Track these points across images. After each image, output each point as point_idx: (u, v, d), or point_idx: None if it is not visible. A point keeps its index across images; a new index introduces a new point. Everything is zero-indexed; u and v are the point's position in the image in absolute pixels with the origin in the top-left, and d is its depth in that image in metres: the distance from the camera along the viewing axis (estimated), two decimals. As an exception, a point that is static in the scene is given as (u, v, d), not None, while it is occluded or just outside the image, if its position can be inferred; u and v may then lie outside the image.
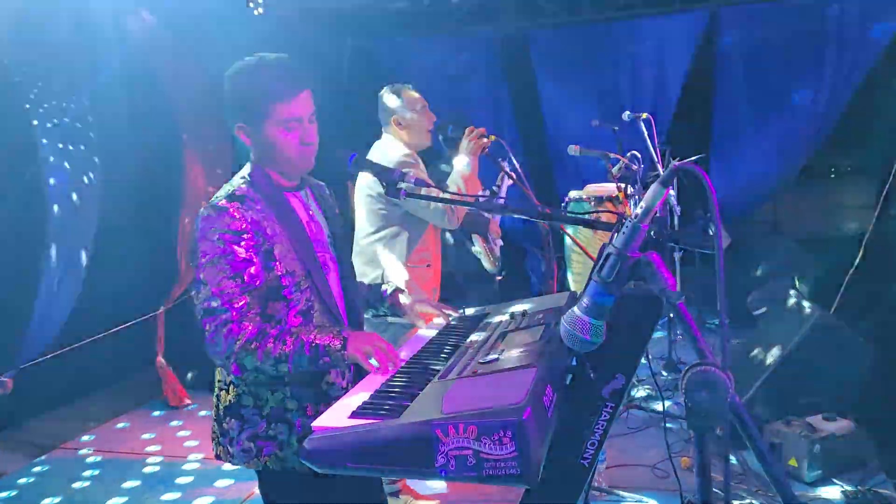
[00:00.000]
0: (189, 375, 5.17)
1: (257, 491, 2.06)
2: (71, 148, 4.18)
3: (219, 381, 1.94)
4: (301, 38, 7.09)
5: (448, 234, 4.49)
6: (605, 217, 2.36)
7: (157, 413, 4.81)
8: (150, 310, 4.96)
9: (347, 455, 1.31)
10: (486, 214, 4.39)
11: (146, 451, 4.20)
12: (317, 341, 1.70)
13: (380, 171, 2.07)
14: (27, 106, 3.97)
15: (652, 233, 1.30)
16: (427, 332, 2.05)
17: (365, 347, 1.70)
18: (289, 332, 1.73)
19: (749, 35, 6.59)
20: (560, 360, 1.48)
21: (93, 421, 4.68)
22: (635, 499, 3.22)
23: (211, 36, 5.30)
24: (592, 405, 1.47)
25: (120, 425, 4.64)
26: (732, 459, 3.36)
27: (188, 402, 4.92)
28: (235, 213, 1.78)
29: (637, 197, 4.05)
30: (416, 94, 3.26)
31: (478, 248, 4.55)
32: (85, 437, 4.43)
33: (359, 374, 1.88)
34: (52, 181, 4.07)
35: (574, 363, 1.50)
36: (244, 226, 1.78)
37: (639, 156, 4.20)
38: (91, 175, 4.36)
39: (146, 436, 4.42)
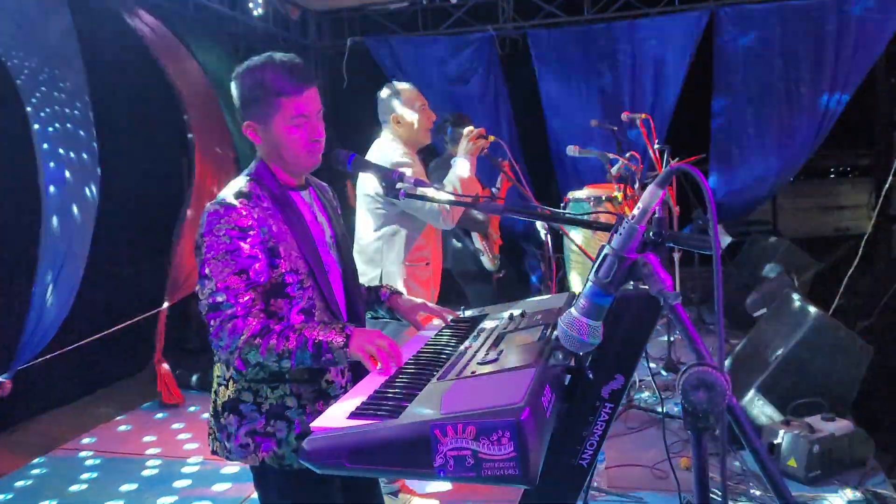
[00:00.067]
0: (193, 379, 5.17)
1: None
2: (73, 155, 4.18)
3: (217, 376, 1.94)
4: (301, 38, 7.08)
5: (448, 233, 4.49)
6: (603, 218, 2.36)
7: (159, 416, 4.79)
8: (151, 309, 4.96)
9: (346, 455, 1.31)
10: (479, 217, 4.40)
11: (147, 452, 4.19)
12: (320, 338, 1.71)
13: (378, 172, 2.08)
14: (28, 109, 3.96)
15: (650, 233, 1.30)
16: (426, 333, 2.06)
17: (367, 346, 1.71)
18: (292, 328, 1.74)
19: (749, 35, 6.59)
20: (559, 361, 1.49)
21: (93, 421, 4.67)
22: (634, 499, 3.22)
23: (211, 36, 5.31)
24: (591, 405, 1.47)
25: (121, 428, 4.63)
26: (734, 461, 3.37)
27: (181, 400, 4.91)
28: (242, 210, 1.80)
29: (636, 197, 4.06)
30: (416, 93, 3.27)
31: (478, 245, 4.56)
32: (86, 440, 4.42)
33: (357, 372, 1.89)
34: (52, 186, 4.07)
35: (573, 363, 1.50)
36: (251, 223, 1.79)
37: (637, 156, 4.20)
38: (91, 172, 4.35)
39: (147, 438, 4.41)
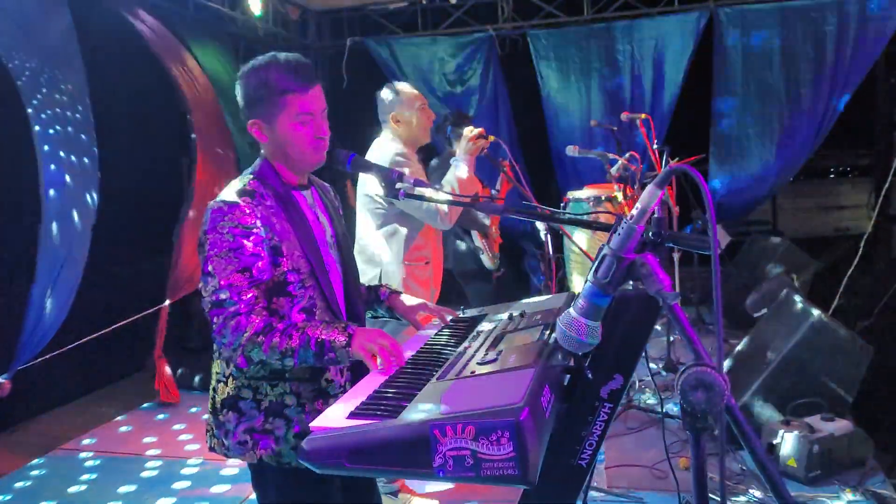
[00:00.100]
0: (196, 380, 5.17)
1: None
2: (74, 159, 4.18)
3: (217, 373, 1.94)
4: (301, 38, 7.08)
5: (450, 234, 4.50)
6: (603, 218, 2.36)
7: (160, 416, 4.78)
8: (151, 307, 4.96)
9: (346, 455, 1.31)
10: (480, 216, 4.41)
11: (147, 453, 4.18)
12: (323, 337, 1.71)
13: (378, 172, 2.08)
14: (29, 111, 3.96)
15: (649, 233, 1.30)
16: (425, 332, 2.06)
17: (369, 345, 1.71)
18: (295, 326, 1.74)
19: (749, 35, 6.59)
20: (558, 361, 1.49)
21: (93, 421, 4.67)
22: (634, 499, 3.22)
23: (211, 36, 5.31)
24: (590, 406, 1.47)
25: (122, 429, 4.62)
26: (733, 461, 3.37)
27: (178, 400, 4.89)
28: (246, 208, 1.80)
29: (636, 198, 4.06)
30: (415, 92, 3.28)
31: (478, 243, 4.56)
32: (86, 440, 4.41)
33: (357, 372, 1.89)
34: (52, 189, 4.06)
35: (572, 364, 1.50)
36: (254, 221, 1.80)
37: (637, 156, 4.20)
38: (92, 177, 4.35)
39: (147, 438, 4.40)
